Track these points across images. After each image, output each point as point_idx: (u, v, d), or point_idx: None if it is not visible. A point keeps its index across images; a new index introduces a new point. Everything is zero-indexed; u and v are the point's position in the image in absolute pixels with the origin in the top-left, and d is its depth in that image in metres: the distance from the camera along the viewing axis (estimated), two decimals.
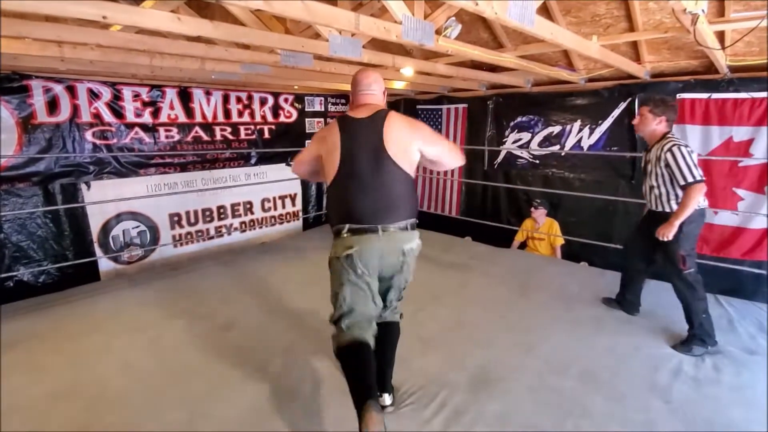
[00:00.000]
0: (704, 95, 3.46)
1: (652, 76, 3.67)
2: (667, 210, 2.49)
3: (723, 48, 2.77)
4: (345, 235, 1.73)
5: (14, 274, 3.35)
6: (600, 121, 4.08)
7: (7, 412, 1.96)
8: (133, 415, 1.94)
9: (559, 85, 4.24)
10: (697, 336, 2.49)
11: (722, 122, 3.40)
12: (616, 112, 3.95)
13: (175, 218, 4.22)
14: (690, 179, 2.32)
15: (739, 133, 3.32)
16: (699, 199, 2.36)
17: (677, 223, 2.35)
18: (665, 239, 2.39)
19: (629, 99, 3.82)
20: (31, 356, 2.44)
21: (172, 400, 2.05)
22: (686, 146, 2.38)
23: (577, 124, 4.27)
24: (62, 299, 3.20)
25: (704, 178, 2.34)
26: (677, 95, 3.55)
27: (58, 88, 3.41)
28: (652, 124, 2.51)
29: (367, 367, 1.70)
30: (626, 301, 2.95)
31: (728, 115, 3.36)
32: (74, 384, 2.18)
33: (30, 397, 2.08)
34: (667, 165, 2.39)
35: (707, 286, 3.27)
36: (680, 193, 2.41)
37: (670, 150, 2.38)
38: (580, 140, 4.26)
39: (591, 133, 4.15)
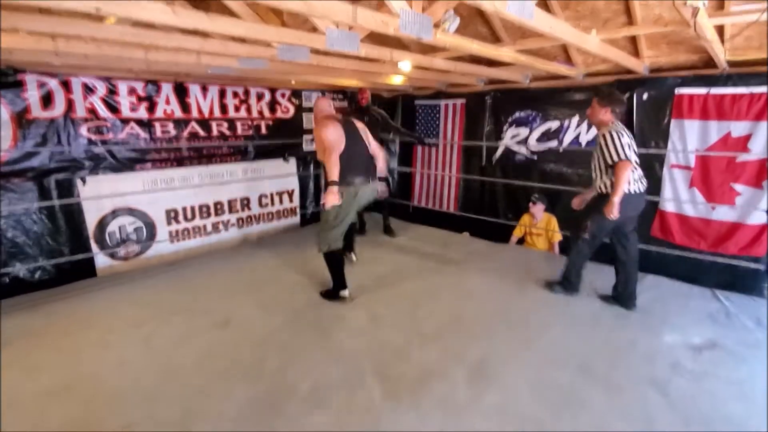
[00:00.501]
0: (703, 90, 3.45)
1: (651, 71, 3.66)
2: (605, 191, 2.74)
3: (722, 41, 2.76)
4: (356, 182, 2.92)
5: (9, 270, 3.33)
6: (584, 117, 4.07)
7: (5, 408, 1.95)
8: (130, 412, 1.93)
9: (557, 80, 4.22)
10: (563, 283, 3.12)
11: (721, 117, 3.39)
12: None
13: (172, 214, 4.20)
14: (616, 158, 2.60)
15: (738, 128, 3.32)
16: (628, 175, 2.59)
17: (616, 200, 2.60)
18: (613, 218, 2.63)
19: (627, 94, 3.80)
20: (27, 353, 2.42)
21: (168, 397, 2.04)
22: (619, 132, 2.64)
23: (575, 120, 4.25)
24: (58, 295, 3.18)
25: (630, 159, 2.60)
26: (676, 90, 3.55)
27: (53, 83, 3.38)
28: (599, 114, 2.77)
29: (343, 266, 3.12)
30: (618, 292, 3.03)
31: (727, 110, 3.35)
32: (71, 381, 2.17)
33: (27, 393, 2.07)
34: (600, 148, 2.69)
35: (704, 282, 3.33)
36: (611, 174, 2.67)
37: (602, 135, 2.68)
38: (578, 135, 4.25)
39: (589, 128, 4.14)
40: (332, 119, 2.99)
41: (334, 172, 2.74)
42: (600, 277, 3.32)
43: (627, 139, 2.65)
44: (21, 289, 3.30)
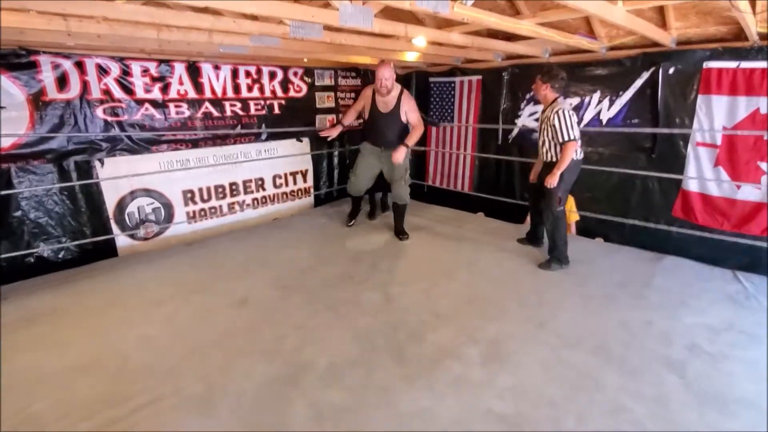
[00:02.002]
0: (732, 64, 3.29)
1: (679, 43, 3.49)
2: (552, 160, 3.12)
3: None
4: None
5: (34, 250, 3.43)
6: (621, 92, 3.92)
7: (33, 384, 2.04)
8: (155, 387, 2.01)
9: (578, 55, 4.06)
10: (555, 257, 3.25)
11: (750, 93, 3.24)
12: (639, 83, 3.78)
13: (189, 195, 4.25)
14: (566, 138, 2.96)
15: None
16: (572, 153, 2.99)
17: (558, 173, 3.02)
18: (550, 186, 3.05)
19: (653, 68, 3.65)
20: (54, 330, 2.52)
21: (191, 373, 2.11)
22: (568, 111, 2.98)
23: (596, 96, 4.11)
24: (82, 275, 3.28)
25: (577, 138, 2.99)
26: (704, 64, 3.39)
27: (67, 64, 3.39)
28: (542, 90, 3.12)
29: (360, 205, 4.37)
30: (533, 237, 3.70)
31: (756, 86, 3.19)
32: (97, 357, 2.25)
33: (55, 369, 2.16)
34: (552, 125, 3.01)
35: (725, 263, 3.26)
36: (559, 148, 3.05)
37: (555, 113, 2.99)
38: (599, 112, 4.11)
39: (611, 104, 4.00)
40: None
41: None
42: (617, 256, 3.28)
43: (575, 118, 3.03)
44: (46, 268, 3.41)
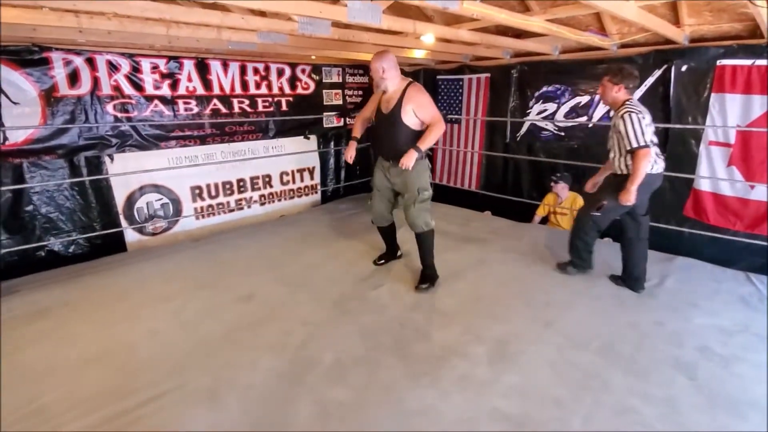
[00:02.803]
0: (747, 62, 3.23)
1: (692, 40, 3.43)
2: (624, 172, 2.62)
3: None
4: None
5: (45, 243, 3.48)
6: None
7: (42, 376, 2.07)
8: (163, 381, 2.02)
9: (589, 52, 4.01)
10: (573, 261, 3.03)
11: (764, 91, 3.17)
12: (650, 81, 3.72)
13: (197, 191, 4.28)
14: (635, 144, 2.46)
15: None
16: (647, 163, 2.48)
17: (633, 188, 2.51)
18: (629, 204, 2.56)
19: (665, 66, 3.59)
20: (63, 323, 2.55)
21: (198, 367, 2.12)
22: (638, 113, 2.48)
23: None
24: (92, 269, 3.32)
25: (651, 144, 2.48)
26: (717, 62, 3.33)
27: (78, 60, 3.42)
28: (612, 92, 2.61)
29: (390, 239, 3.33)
30: (629, 277, 2.91)
31: None
32: (105, 350, 2.28)
33: (64, 361, 2.18)
34: (618, 131, 2.54)
35: (738, 264, 3.20)
36: (629, 157, 2.56)
37: (622, 116, 2.51)
38: (609, 110, 4.06)
39: None
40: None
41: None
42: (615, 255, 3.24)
43: (647, 119, 2.51)
44: (57, 262, 3.46)
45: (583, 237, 2.91)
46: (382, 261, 3.35)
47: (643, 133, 2.45)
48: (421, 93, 2.77)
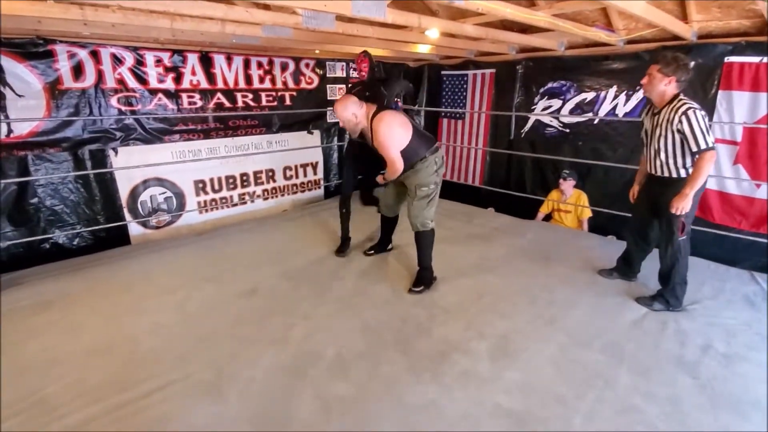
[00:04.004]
0: (755, 59, 3.19)
1: (699, 37, 3.39)
2: (674, 176, 2.39)
3: None
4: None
5: (50, 236, 3.50)
6: (638, 87, 3.83)
7: (47, 367, 2.08)
8: (164, 372, 2.03)
9: (595, 48, 3.98)
10: (665, 296, 2.58)
11: None
12: None
13: (200, 185, 4.28)
14: (703, 146, 2.22)
15: None
16: (711, 167, 2.28)
17: (692, 193, 2.27)
18: (681, 212, 2.31)
19: None
20: (68, 314, 2.57)
21: (199, 360, 2.13)
22: (701, 110, 2.25)
23: (612, 90, 4.03)
24: (96, 261, 3.34)
25: (715, 147, 2.25)
26: (725, 59, 3.29)
27: (83, 53, 3.42)
28: (661, 85, 2.33)
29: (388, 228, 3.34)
30: (625, 268, 2.93)
31: None
32: (109, 342, 2.29)
33: (69, 352, 2.20)
34: (680, 130, 2.27)
35: (742, 263, 3.18)
36: (689, 159, 2.33)
37: (685, 113, 2.24)
38: (615, 107, 4.04)
39: (627, 99, 3.92)
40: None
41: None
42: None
43: (707, 117, 2.30)
44: (61, 254, 3.48)
45: (681, 269, 2.51)
46: (372, 251, 3.41)
47: (709, 134, 2.23)
48: (379, 134, 2.55)
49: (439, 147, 2.76)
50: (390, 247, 3.48)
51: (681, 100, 2.30)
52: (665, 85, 2.32)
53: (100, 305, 2.67)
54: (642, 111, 2.62)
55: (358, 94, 2.72)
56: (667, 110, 2.33)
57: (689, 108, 2.24)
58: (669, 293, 2.55)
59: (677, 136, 2.30)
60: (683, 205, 2.29)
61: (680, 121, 2.25)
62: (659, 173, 2.46)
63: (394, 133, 2.57)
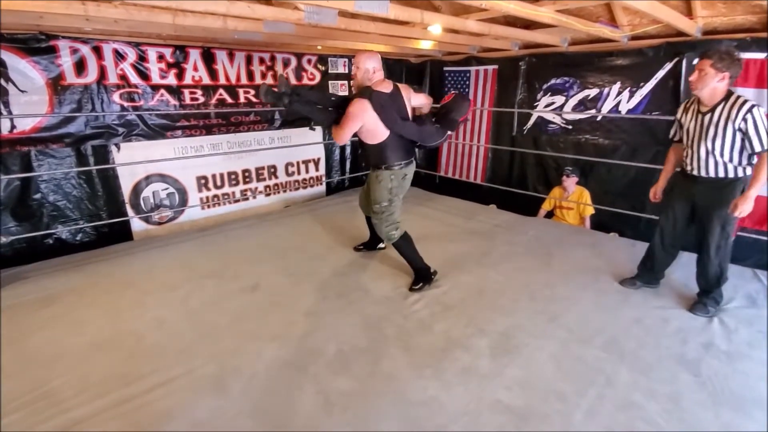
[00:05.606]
0: (761, 55, 3.17)
1: (704, 33, 3.37)
2: (731, 176, 2.28)
3: None
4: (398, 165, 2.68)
5: (53, 231, 3.52)
6: (642, 84, 3.82)
7: (51, 362, 2.10)
8: (167, 367, 2.05)
9: (598, 44, 3.96)
10: (715, 298, 2.53)
11: None
12: (661, 73, 3.67)
13: (202, 181, 4.29)
14: (766, 147, 2.13)
15: None
16: None
17: (754, 195, 2.16)
18: (739, 215, 2.21)
19: (676, 59, 3.54)
20: (72, 309, 2.58)
21: (203, 355, 2.15)
22: (759, 108, 2.15)
23: (616, 87, 4.01)
24: (99, 257, 3.35)
25: None
26: None
27: (85, 49, 3.42)
28: (713, 81, 2.18)
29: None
30: (649, 274, 2.79)
31: None
32: (112, 336, 2.31)
33: (72, 346, 2.22)
34: (742, 129, 2.16)
35: (744, 261, 3.17)
36: (745, 159, 2.24)
37: (750, 111, 2.12)
38: (618, 104, 4.02)
39: (631, 96, 3.90)
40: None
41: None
42: (632, 251, 3.22)
43: None
44: (64, 250, 3.49)
45: (725, 269, 2.47)
46: (361, 247, 3.44)
47: None
48: (353, 105, 2.49)
49: (407, 164, 2.71)
50: (380, 246, 3.42)
51: (740, 96, 2.19)
52: (718, 81, 2.18)
53: (103, 300, 2.69)
54: (680, 109, 2.48)
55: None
56: (723, 108, 2.21)
57: (753, 106, 2.14)
58: (718, 294, 2.52)
59: (738, 135, 2.19)
60: (747, 207, 2.18)
61: (744, 120, 2.15)
62: (712, 175, 2.33)
63: (363, 118, 2.48)
